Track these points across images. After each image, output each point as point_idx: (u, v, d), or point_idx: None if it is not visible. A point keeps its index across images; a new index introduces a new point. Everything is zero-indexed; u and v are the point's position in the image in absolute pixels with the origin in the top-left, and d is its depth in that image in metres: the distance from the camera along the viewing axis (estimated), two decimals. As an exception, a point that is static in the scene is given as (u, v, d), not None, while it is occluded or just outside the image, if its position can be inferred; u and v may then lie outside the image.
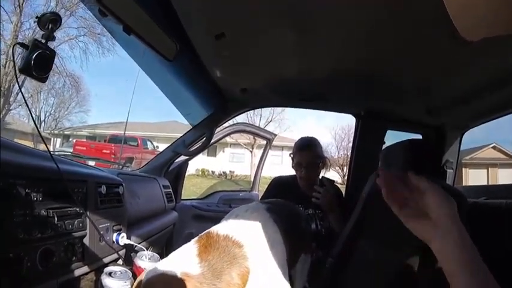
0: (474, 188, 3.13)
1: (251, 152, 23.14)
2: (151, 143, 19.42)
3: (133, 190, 2.10)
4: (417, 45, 1.68)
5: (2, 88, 18.52)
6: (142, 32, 1.35)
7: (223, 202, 3.61)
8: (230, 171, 23.31)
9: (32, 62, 1.05)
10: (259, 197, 3.54)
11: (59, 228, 1.29)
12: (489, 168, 21.52)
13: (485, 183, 18.41)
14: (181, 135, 3.00)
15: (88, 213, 1.47)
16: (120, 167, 4.54)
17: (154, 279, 1.10)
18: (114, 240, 1.66)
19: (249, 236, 1.31)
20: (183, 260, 1.18)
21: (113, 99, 41.77)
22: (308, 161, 2.49)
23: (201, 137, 2.81)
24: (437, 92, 2.27)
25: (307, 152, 2.52)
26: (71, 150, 14.67)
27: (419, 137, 2.99)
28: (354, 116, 3.02)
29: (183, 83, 2.49)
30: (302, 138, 2.66)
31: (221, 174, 22.95)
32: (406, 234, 1.90)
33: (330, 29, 1.61)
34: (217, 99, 2.70)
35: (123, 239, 1.68)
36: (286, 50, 1.89)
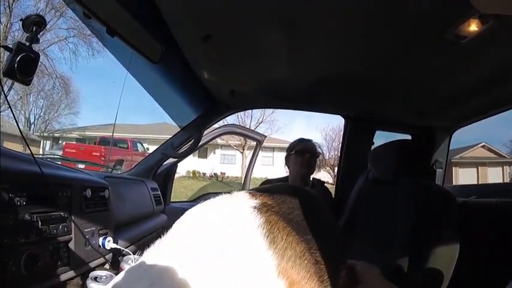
0: (464, 187, 3.16)
1: (242, 153, 23.13)
2: (142, 145, 19.34)
3: (120, 193, 2.08)
4: (406, 48, 1.69)
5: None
6: (127, 34, 1.34)
7: (213, 204, 3.57)
8: (221, 173, 23.31)
9: (16, 65, 1.04)
10: None
11: (44, 232, 1.27)
12: (479, 167, 21.78)
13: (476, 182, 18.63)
14: (171, 136, 2.98)
15: (73, 217, 1.45)
16: (110, 170, 4.50)
17: None
18: (100, 244, 1.64)
19: None
20: None
21: (103, 100, 41.51)
22: (311, 149, 2.72)
23: (190, 139, 2.79)
24: (426, 93, 2.29)
25: (311, 142, 2.78)
26: (61, 152, 14.55)
27: (409, 137, 3.01)
28: (343, 117, 3.04)
29: (170, 85, 2.48)
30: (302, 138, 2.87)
31: (212, 176, 22.92)
32: (394, 234, 1.90)
33: (319, 31, 1.62)
34: (205, 101, 2.69)
35: (110, 243, 1.66)
36: (275, 51, 1.89)
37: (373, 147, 2.88)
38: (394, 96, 2.42)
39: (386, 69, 1.98)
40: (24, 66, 1.06)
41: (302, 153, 2.68)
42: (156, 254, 0.65)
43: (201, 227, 0.68)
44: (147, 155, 3.23)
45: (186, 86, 2.47)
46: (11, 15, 18.99)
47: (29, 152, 1.42)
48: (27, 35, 1.10)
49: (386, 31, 1.54)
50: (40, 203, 1.29)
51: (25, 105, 24.64)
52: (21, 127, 22.97)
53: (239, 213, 0.71)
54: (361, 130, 2.97)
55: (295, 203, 0.79)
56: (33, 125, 25.61)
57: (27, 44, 1.09)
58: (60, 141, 24.69)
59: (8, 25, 19.04)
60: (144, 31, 1.41)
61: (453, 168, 20.20)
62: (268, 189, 0.83)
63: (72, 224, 1.44)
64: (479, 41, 1.46)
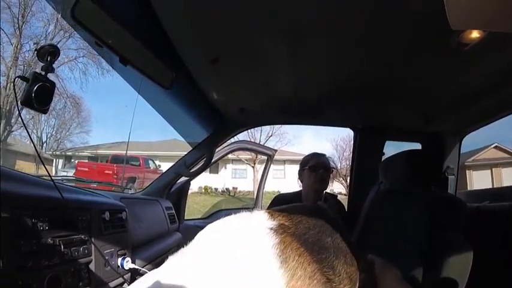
0: (478, 192, 3.14)
1: (253, 167, 23.06)
2: (154, 162, 19.40)
3: (136, 214, 2.12)
4: (412, 55, 1.70)
5: (3, 110, 18.58)
6: (139, 62, 1.38)
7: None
8: (233, 188, 23.26)
9: (33, 95, 1.07)
10: None
11: (65, 255, 1.31)
12: (492, 169, 21.41)
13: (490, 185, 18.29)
14: (182, 153, 3.01)
15: (93, 239, 1.49)
16: (122, 189, 4.54)
17: None
18: (119, 264, 1.67)
19: None
20: None
21: (115, 119, 41.79)
22: (325, 164, 2.67)
23: (202, 158, 2.83)
24: (433, 100, 2.29)
25: (324, 157, 2.73)
26: (73, 171, 14.67)
27: (419, 145, 3.01)
28: (352, 129, 3.06)
29: (181, 106, 2.53)
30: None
31: (224, 191, 22.88)
32: (408, 243, 1.90)
33: (323, 45, 1.64)
34: (215, 120, 2.73)
35: (128, 263, 1.69)
36: (281, 68, 1.92)
37: (383, 157, 2.89)
38: (401, 104, 2.41)
39: (392, 78, 1.99)
40: (40, 95, 1.09)
41: (316, 169, 2.64)
42: (166, 272, 0.68)
43: (214, 246, 0.70)
44: (158, 172, 3.27)
45: (196, 106, 2.51)
46: (21, 37, 19.33)
47: (46, 173, 1.46)
48: (43, 64, 1.14)
49: (391, 41, 1.56)
50: (61, 227, 1.33)
51: (37, 124, 24.95)
52: (35, 149, 23.17)
53: (255, 234, 0.72)
54: (370, 141, 2.97)
55: (311, 223, 0.81)
56: (45, 144, 25.91)
57: (43, 73, 1.11)
58: (72, 160, 24.86)
59: (19, 46, 19.37)
60: (155, 59, 1.45)
61: (466, 171, 19.91)
62: (287, 209, 0.85)
63: (93, 246, 1.48)
64: (483, 46, 1.46)
